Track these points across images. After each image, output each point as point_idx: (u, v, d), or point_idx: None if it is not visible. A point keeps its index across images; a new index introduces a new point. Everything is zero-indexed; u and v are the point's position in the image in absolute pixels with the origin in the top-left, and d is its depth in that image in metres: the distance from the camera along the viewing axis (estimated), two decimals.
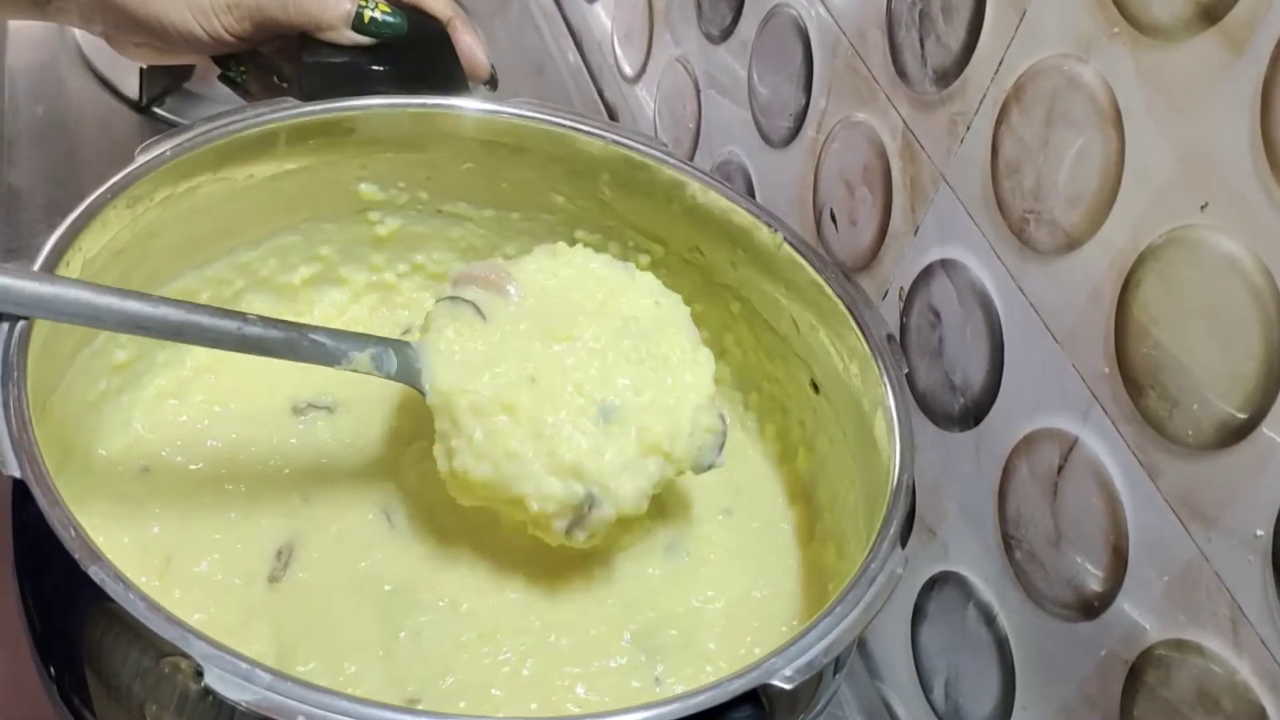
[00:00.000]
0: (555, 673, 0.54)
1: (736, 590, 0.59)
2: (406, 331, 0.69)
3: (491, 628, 0.55)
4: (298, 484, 0.59)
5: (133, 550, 0.54)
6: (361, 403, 0.63)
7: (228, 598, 0.54)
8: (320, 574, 0.56)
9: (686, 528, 0.61)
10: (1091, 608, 0.54)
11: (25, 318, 0.47)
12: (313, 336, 0.53)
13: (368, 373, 0.54)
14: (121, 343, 0.59)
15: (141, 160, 0.55)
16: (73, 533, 0.41)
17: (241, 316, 0.51)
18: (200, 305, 0.51)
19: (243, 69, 0.66)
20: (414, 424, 0.61)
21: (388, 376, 0.55)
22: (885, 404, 0.54)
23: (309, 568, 0.56)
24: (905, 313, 0.66)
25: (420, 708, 0.50)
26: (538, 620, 0.56)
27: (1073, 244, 0.53)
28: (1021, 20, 0.55)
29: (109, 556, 0.41)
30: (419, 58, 0.64)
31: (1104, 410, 0.52)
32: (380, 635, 0.53)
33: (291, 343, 0.52)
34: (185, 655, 0.39)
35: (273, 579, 0.55)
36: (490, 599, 0.56)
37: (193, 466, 0.59)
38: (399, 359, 0.55)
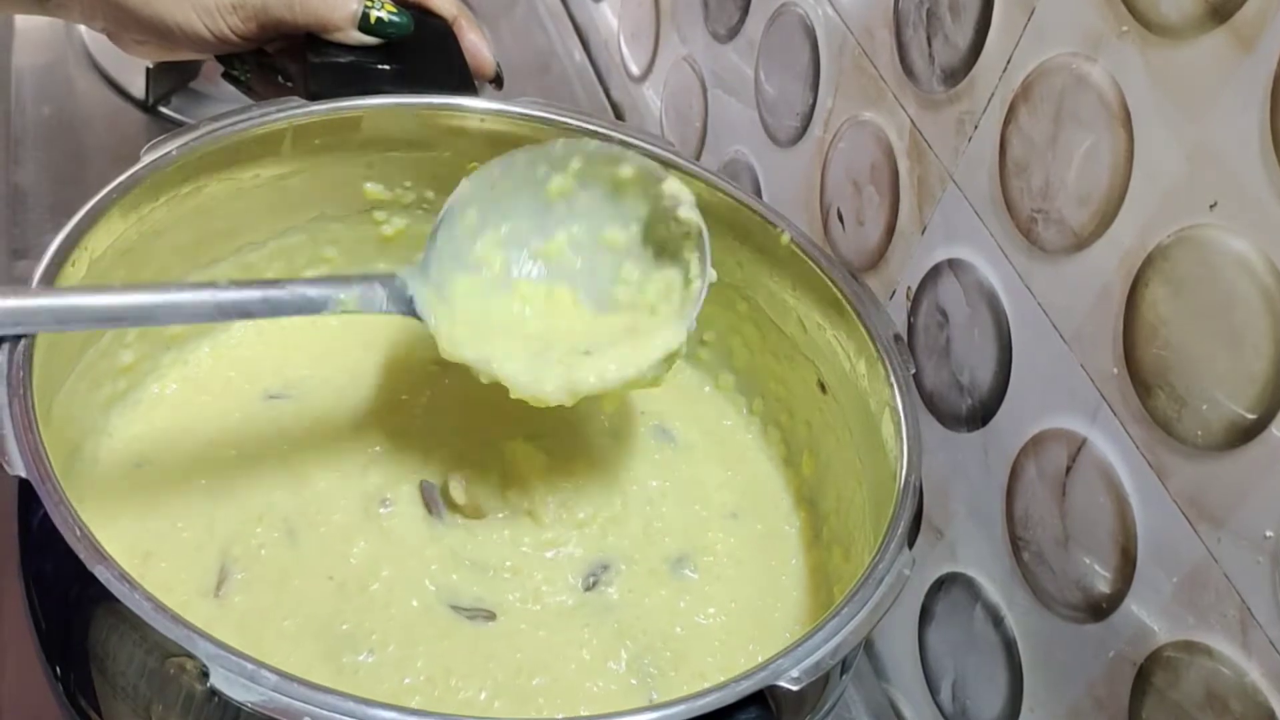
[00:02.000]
0: (530, 704, 0.52)
1: (739, 601, 0.58)
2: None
3: (442, 671, 0.52)
4: (257, 488, 0.58)
5: (120, 547, 0.53)
6: (340, 400, 0.63)
7: (189, 608, 0.53)
8: (252, 596, 0.54)
9: (697, 533, 0.61)
10: (1100, 609, 0.54)
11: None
12: (291, 288, 0.52)
13: (356, 312, 0.53)
14: (127, 344, 0.59)
15: (147, 160, 0.55)
16: (78, 532, 0.41)
17: (213, 285, 0.50)
18: (169, 283, 0.50)
19: (246, 68, 0.66)
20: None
21: (380, 312, 0.54)
22: (892, 404, 0.54)
23: (240, 589, 0.54)
24: (913, 312, 0.66)
25: None
26: (496, 665, 0.52)
27: (1081, 243, 0.53)
28: (1030, 19, 0.55)
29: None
30: (425, 57, 0.64)
31: (1112, 411, 0.52)
32: (325, 669, 0.51)
33: (270, 300, 0.51)
34: (190, 656, 0.39)
35: (216, 594, 0.54)
36: (420, 646, 0.52)
37: (187, 466, 0.59)
38: (387, 291, 0.54)
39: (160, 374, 0.62)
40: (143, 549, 0.54)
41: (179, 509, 0.56)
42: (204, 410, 0.61)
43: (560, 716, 0.52)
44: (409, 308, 0.55)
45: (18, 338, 0.47)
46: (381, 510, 0.57)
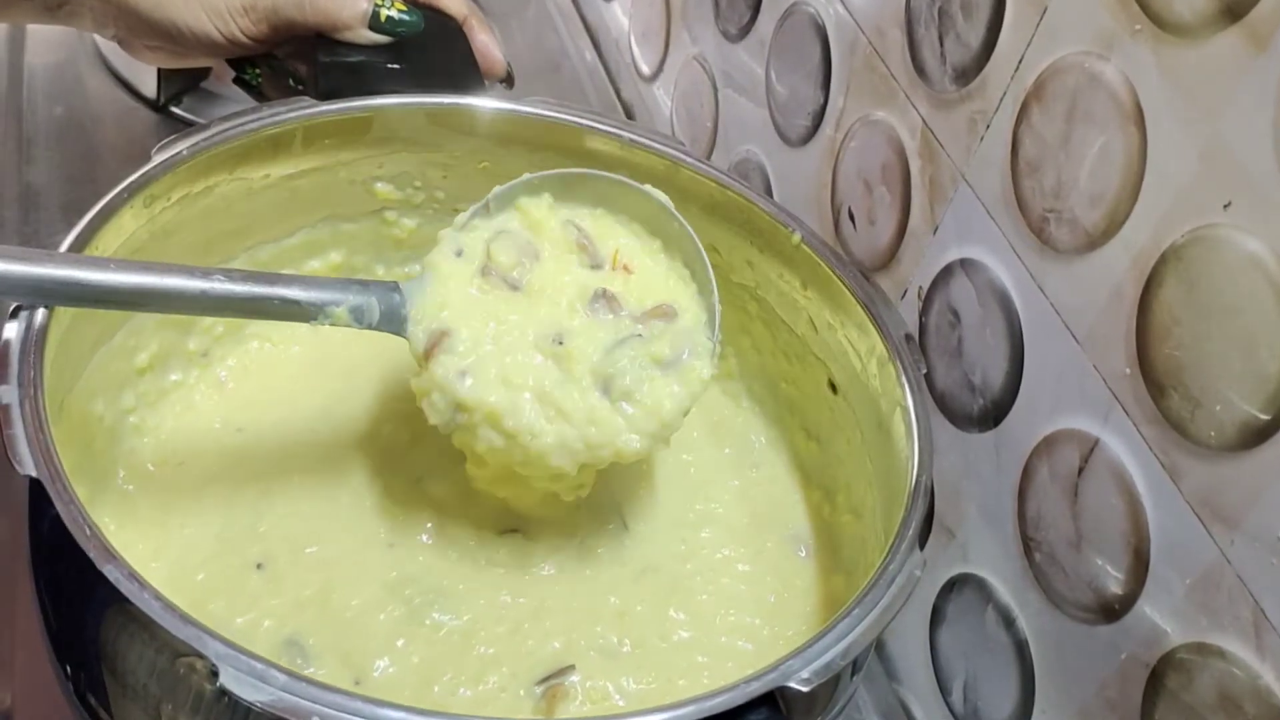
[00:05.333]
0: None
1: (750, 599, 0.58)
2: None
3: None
4: (261, 494, 0.58)
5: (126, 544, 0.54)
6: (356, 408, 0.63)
7: None
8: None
9: (706, 531, 0.61)
10: (1112, 610, 0.54)
11: None
12: (283, 292, 0.51)
13: (346, 326, 0.53)
14: (143, 344, 0.59)
15: (158, 159, 0.55)
16: (87, 531, 0.41)
17: (205, 274, 0.49)
18: (161, 265, 0.49)
19: (257, 71, 0.66)
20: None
21: (370, 328, 0.53)
22: (904, 404, 0.54)
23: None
24: (924, 312, 0.66)
25: None
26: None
27: (1094, 243, 0.53)
28: (1042, 18, 0.55)
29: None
30: (435, 56, 0.64)
31: (1125, 411, 0.52)
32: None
33: (260, 303, 0.51)
34: (200, 655, 0.39)
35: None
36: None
37: (194, 471, 0.59)
38: (382, 308, 0.53)
39: (174, 377, 0.62)
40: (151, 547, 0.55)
41: (187, 510, 0.57)
42: (216, 412, 0.62)
43: (569, 717, 0.52)
44: (401, 328, 0.54)
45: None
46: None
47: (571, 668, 0.53)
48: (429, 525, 0.58)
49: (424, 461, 0.60)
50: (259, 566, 0.55)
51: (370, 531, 0.58)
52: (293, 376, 0.64)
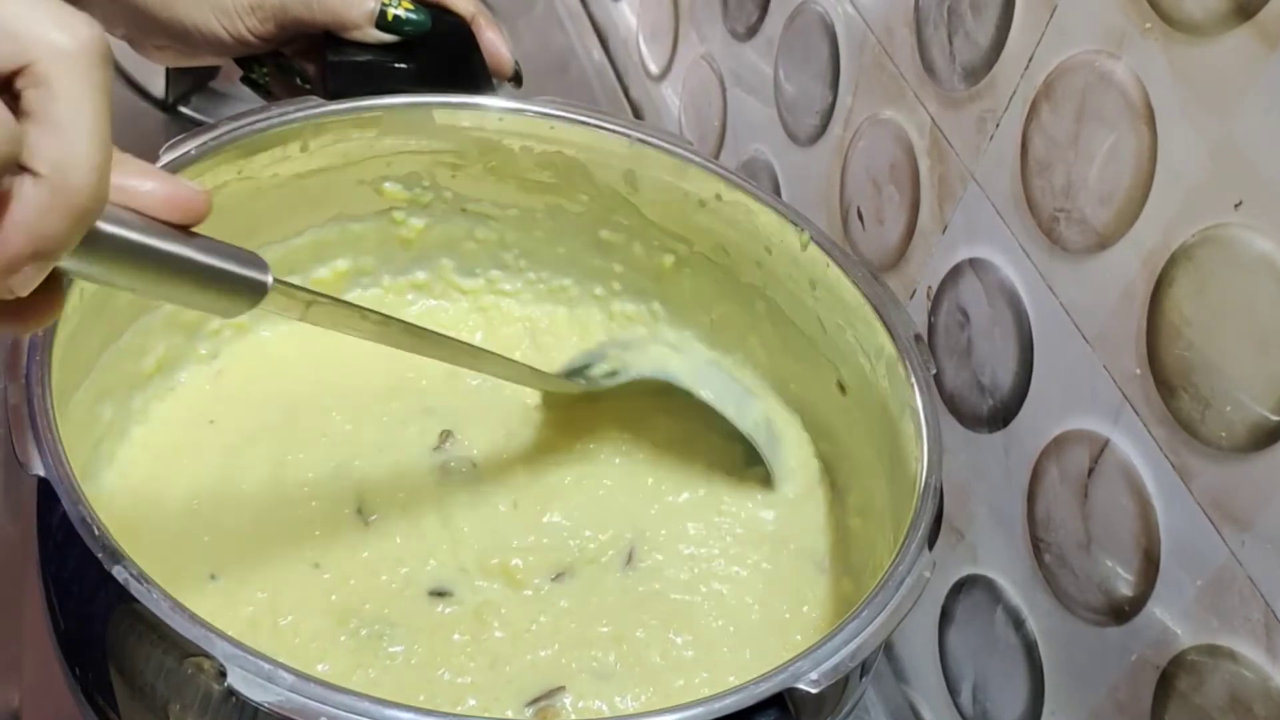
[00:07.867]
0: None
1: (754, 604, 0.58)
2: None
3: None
4: (253, 521, 0.58)
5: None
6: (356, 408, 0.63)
7: None
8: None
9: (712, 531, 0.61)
10: (1122, 612, 0.53)
11: None
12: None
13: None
14: (150, 346, 0.59)
15: (166, 159, 0.55)
16: (95, 532, 0.41)
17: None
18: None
19: (265, 70, 0.66)
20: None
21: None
22: (913, 405, 0.54)
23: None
24: (933, 312, 0.65)
25: None
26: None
27: (1104, 243, 0.53)
28: (1052, 16, 0.55)
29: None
30: (443, 55, 0.64)
31: (1135, 412, 0.52)
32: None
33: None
34: (208, 656, 0.39)
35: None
36: None
37: (196, 473, 0.58)
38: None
39: (182, 379, 0.62)
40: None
41: (184, 512, 0.56)
42: (198, 404, 0.61)
43: (579, 718, 0.52)
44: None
45: None
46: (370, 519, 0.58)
47: (561, 689, 0.52)
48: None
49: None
50: (212, 577, 0.54)
51: (300, 553, 0.56)
52: (275, 362, 0.64)
